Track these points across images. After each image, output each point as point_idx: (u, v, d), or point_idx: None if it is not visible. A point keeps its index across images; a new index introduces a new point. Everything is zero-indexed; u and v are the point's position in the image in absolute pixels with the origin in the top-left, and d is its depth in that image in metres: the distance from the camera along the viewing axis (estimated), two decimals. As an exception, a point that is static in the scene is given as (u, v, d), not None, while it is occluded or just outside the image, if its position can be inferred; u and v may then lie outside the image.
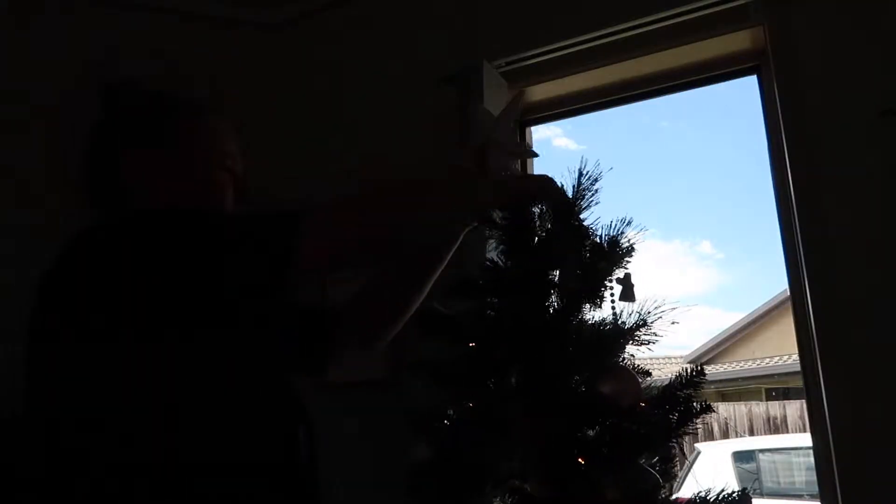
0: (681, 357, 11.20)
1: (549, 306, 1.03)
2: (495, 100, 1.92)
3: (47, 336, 0.81)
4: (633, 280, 1.05)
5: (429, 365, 1.07)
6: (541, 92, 2.04)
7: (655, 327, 1.03)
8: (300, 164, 2.22)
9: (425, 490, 1.00)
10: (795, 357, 1.84)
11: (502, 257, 1.06)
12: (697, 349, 11.51)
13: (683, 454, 1.14)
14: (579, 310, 1.02)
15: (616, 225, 1.03)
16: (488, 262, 1.07)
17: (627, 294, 1.05)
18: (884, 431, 1.38)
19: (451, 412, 1.05)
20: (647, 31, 1.82)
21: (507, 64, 1.98)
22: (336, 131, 2.24)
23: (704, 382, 1.03)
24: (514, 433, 0.95)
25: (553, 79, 1.97)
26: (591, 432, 0.96)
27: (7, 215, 1.99)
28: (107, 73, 1.03)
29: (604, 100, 2.01)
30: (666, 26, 1.80)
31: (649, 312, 1.03)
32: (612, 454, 0.93)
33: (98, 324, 0.77)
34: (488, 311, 1.06)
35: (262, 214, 0.83)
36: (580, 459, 0.93)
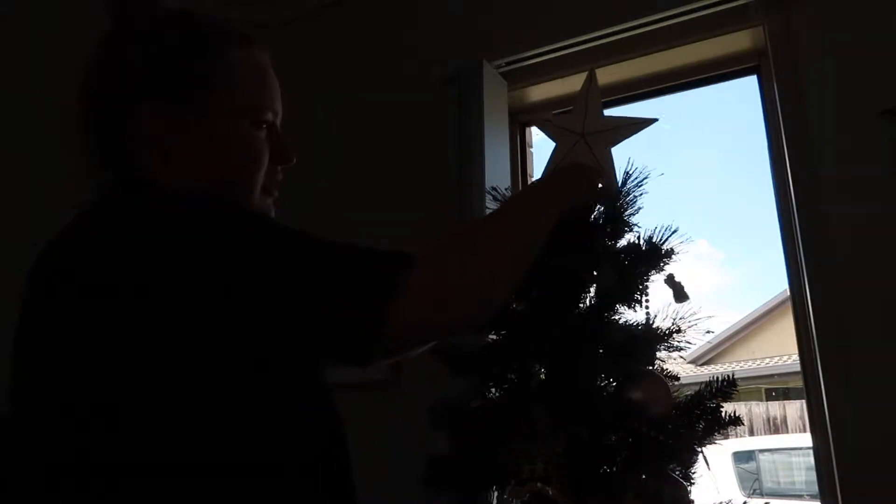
0: (681, 357, 11.14)
1: (581, 304, 1.00)
2: (495, 100, 1.92)
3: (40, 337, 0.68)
4: (678, 279, 1.02)
5: (451, 351, 1.04)
6: (541, 92, 2.04)
7: (689, 334, 1.01)
8: (299, 164, 2.22)
9: (442, 484, 0.97)
10: (795, 357, 1.84)
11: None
12: (697, 349, 11.48)
13: (707, 461, 1.11)
14: (613, 310, 0.99)
15: (659, 231, 1.01)
16: None
17: (680, 294, 1.02)
18: (884, 431, 1.38)
19: (472, 405, 1.01)
20: (647, 32, 1.82)
21: (507, 64, 1.98)
22: (335, 131, 2.24)
23: (734, 392, 1.01)
24: (537, 435, 0.92)
25: (553, 79, 1.97)
26: (613, 437, 0.93)
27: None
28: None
29: (604, 100, 2.00)
30: (666, 26, 1.80)
31: (683, 318, 1.01)
32: (638, 462, 0.90)
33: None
34: (514, 305, 1.02)
35: (342, 248, 0.67)
36: (605, 467, 0.90)
